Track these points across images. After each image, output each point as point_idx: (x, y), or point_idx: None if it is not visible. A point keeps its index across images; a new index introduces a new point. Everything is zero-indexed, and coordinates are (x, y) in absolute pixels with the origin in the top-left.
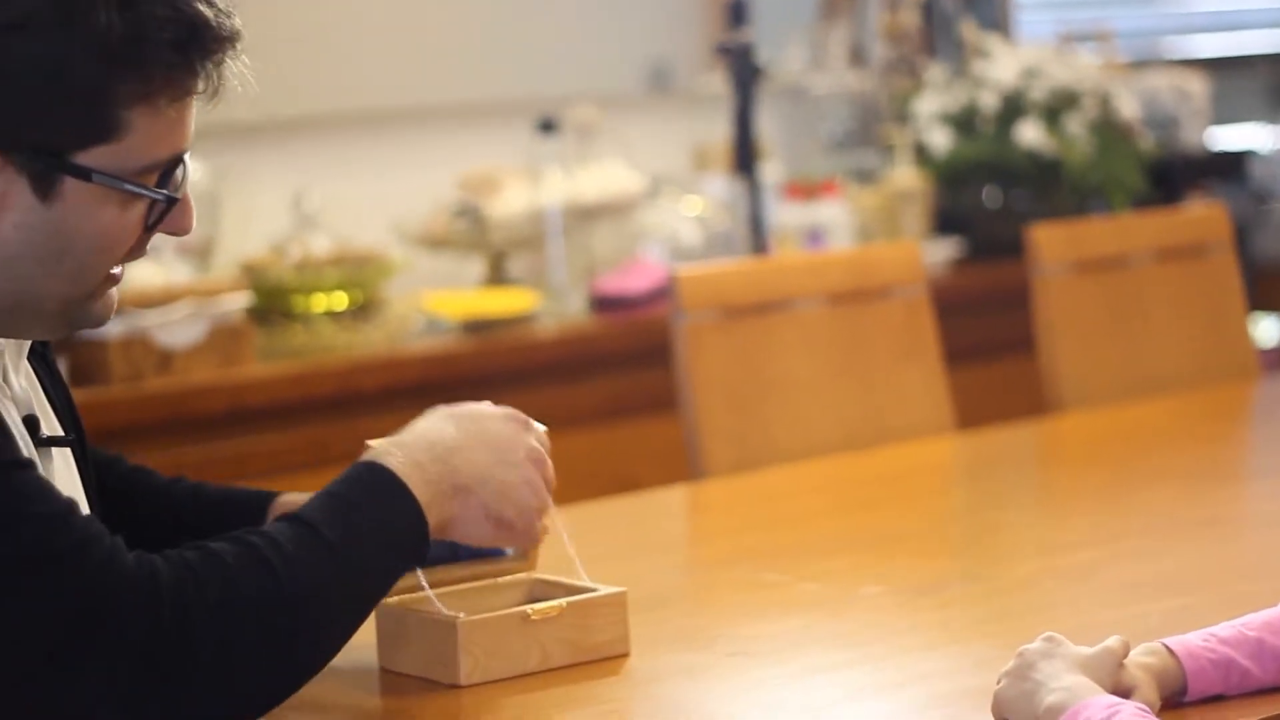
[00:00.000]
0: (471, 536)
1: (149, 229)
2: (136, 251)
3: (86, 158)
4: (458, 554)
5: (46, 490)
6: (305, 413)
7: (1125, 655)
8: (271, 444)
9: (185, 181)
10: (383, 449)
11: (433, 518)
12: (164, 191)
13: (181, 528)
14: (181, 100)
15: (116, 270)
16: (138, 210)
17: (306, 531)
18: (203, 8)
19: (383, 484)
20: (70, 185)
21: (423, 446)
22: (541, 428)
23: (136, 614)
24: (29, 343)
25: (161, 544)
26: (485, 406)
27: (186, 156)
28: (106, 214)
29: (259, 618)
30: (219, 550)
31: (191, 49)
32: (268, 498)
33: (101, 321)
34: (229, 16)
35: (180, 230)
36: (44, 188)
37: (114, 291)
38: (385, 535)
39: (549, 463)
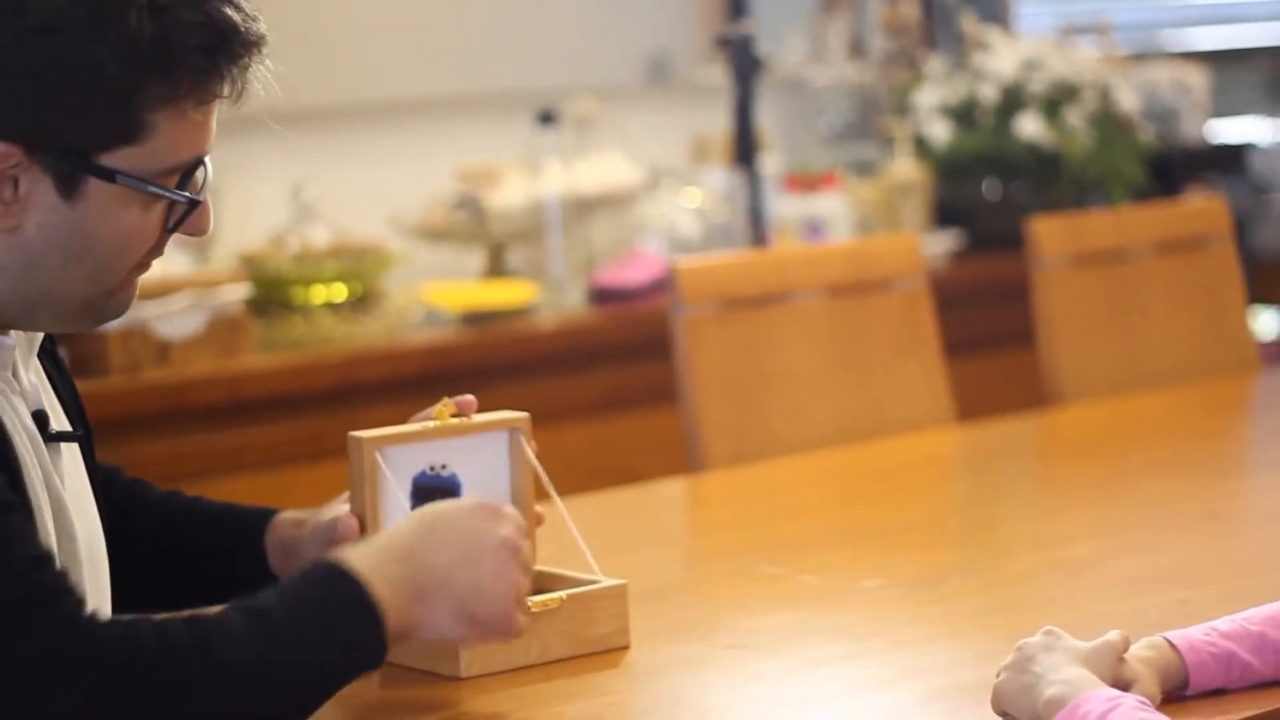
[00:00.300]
0: (442, 638)
1: (169, 230)
2: (155, 251)
3: (111, 159)
4: None
5: (24, 535)
6: (304, 404)
7: (1125, 649)
8: (270, 435)
9: (206, 184)
10: (347, 551)
11: (393, 622)
12: (186, 194)
13: (177, 541)
14: (207, 104)
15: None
16: (158, 211)
17: (259, 623)
18: (231, 12)
19: (343, 585)
20: (94, 186)
21: (386, 548)
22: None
23: (84, 673)
24: (40, 339)
25: (156, 557)
26: (452, 502)
27: (208, 159)
28: (129, 215)
29: (201, 698)
30: (172, 630)
31: (219, 54)
32: (265, 515)
33: (121, 313)
34: (255, 21)
35: (199, 231)
36: (68, 188)
37: (136, 284)
38: (341, 637)
39: (525, 547)
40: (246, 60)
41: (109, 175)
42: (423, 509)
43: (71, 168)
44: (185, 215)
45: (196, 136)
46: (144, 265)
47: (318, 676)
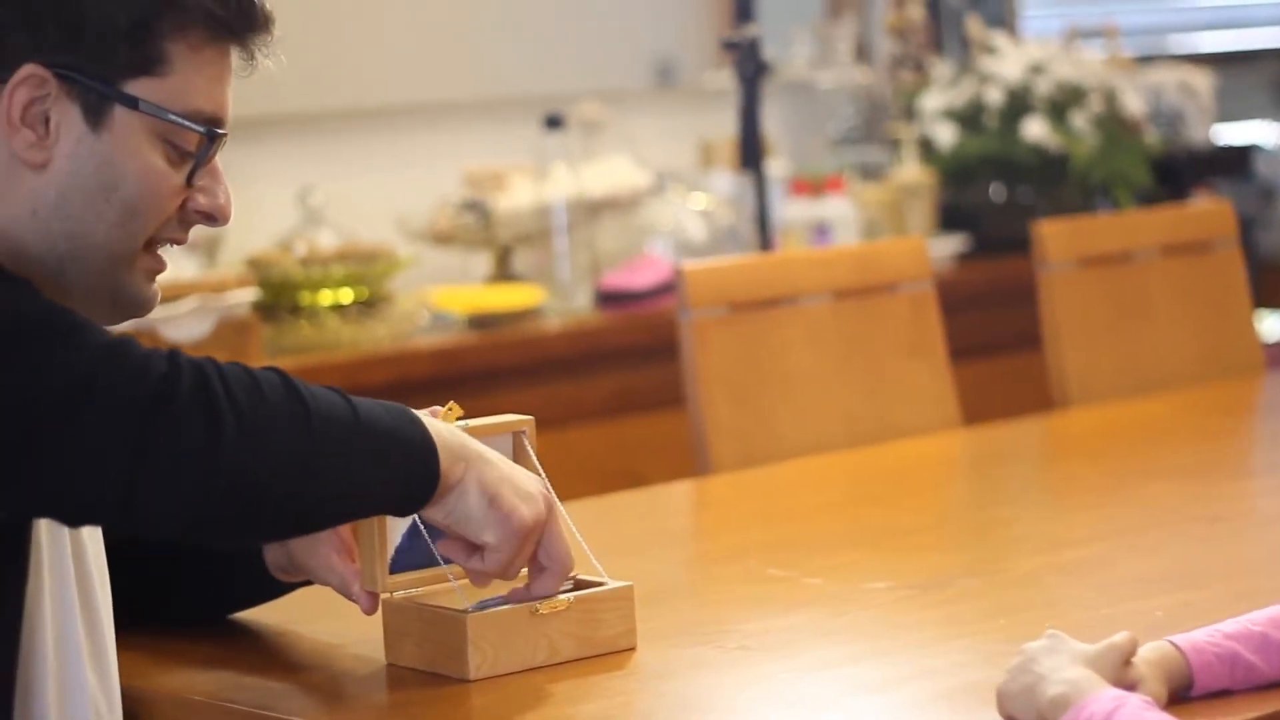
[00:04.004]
0: (462, 511)
1: (190, 180)
2: (175, 229)
3: (133, 88)
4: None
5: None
6: None
7: (1132, 652)
8: None
9: (214, 155)
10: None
11: (443, 466)
12: (203, 127)
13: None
14: (219, 43)
15: (158, 241)
16: (180, 165)
17: (335, 392)
18: None
19: (413, 423)
20: (119, 116)
21: (439, 423)
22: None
23: (158, 365)
24: None
25: (160, 567)
26: None
27: (224, 135)
28: (152, 152)
29: (280, 414)
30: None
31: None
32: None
33: (144, 306)
34: None
35: (218, 210)
36: (95, 117)
37: (156, 282)
38: (399, 446)
39: (557, 514)
40: (254, 12)
41: (132, 102)
42: None
43: (98, 95)
44: (206, 154)
45: (212, 89)
46: (159, 254)
47: (369, 480)
